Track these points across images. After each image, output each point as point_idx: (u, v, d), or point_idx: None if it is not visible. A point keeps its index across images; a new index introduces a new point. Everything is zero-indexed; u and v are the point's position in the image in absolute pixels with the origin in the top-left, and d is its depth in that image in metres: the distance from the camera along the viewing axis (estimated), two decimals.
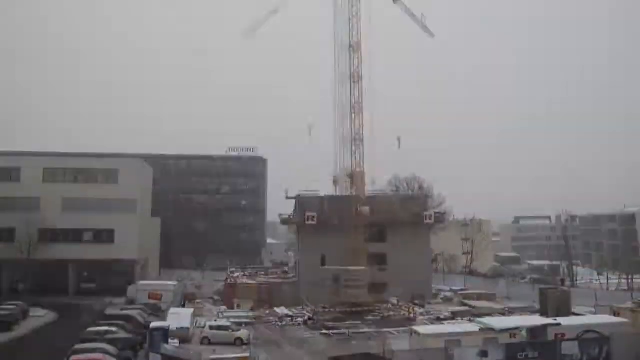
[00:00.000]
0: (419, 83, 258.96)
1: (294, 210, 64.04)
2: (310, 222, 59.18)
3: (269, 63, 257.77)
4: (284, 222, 67.19)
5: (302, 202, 61.82)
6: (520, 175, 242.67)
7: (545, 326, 33.28)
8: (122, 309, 43.31)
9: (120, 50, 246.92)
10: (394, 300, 54.64)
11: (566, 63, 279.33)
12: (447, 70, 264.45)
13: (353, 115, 56.93)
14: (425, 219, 61.72)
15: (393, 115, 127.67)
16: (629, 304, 42.27)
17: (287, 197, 63.56)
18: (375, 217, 58.26)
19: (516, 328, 32.58)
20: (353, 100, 57.18)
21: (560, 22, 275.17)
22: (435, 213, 65.69)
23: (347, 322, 46.89)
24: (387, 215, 59.68)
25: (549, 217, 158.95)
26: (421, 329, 34.04)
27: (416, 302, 55.10)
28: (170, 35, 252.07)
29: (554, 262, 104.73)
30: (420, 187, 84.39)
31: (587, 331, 32.51)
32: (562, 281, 78.36)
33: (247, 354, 32.25)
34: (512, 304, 54.44)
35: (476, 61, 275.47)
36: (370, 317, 49.50)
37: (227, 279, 64.41)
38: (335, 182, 59.60)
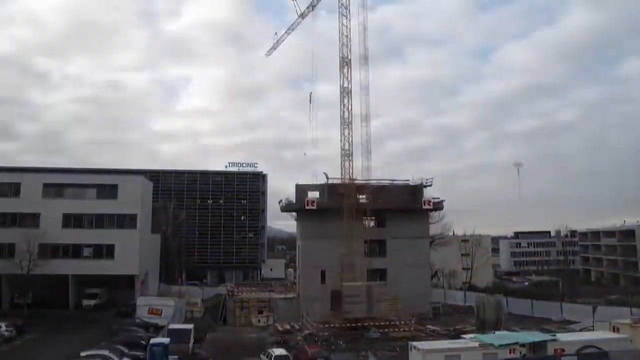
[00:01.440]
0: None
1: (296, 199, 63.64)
2: (310, 206, 59.31)
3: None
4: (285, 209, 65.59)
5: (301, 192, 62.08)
6: (519, 190, 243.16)
7: (544, 342, 33.39)
8: None
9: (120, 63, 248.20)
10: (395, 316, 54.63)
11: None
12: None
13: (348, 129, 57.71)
14: (424, 205, 61.76)
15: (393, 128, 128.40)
16: (628, 320, 42.30)
17: (283, 210, 63.73)
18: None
19: (515, 343, 32.65)
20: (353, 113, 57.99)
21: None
22: (433, 198, 64.56)
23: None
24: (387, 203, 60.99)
25: (548, 233, 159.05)
26: (421, 345, 34.04)
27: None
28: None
29: (553, 278, 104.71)
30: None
31: (587, 346, 32.61)
32: None
33: None
34: None
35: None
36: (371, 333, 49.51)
37: (229, 293, 64.71)
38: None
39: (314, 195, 61.38)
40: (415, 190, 64.05)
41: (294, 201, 62.41)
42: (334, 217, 57.44)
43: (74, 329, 48.54)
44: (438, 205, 65.24)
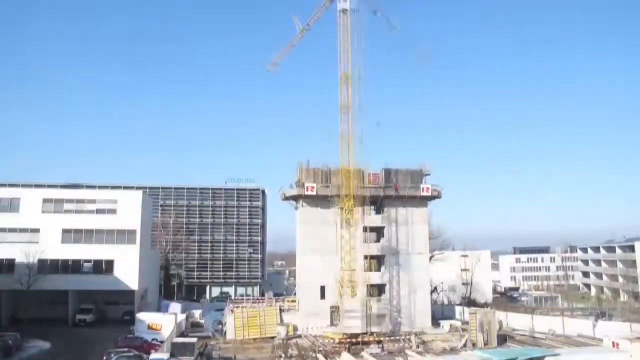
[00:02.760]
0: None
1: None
2: (309, 192, 58.83)
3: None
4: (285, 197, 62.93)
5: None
6: (520, 206, 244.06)
7: (543, 357, 33.46)
8: None
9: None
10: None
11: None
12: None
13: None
14: (423, 191, 61.55)
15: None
16: (627, 335, 42.32)
17: (285, 198, 62.41)
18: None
19: (515, 359, 32.72)
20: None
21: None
22: (432, 185, 62.98)
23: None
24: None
25: (548, 248, 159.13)
26: (420, 359, 34.07)
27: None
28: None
29: (553, 293, 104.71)
30: None
31: None
32: None
33: None
34: None
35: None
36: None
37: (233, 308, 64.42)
38: None
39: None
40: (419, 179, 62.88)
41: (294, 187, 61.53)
42: (333, 228, 57.66)
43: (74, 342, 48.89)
44: (437, 193, 63.15)
